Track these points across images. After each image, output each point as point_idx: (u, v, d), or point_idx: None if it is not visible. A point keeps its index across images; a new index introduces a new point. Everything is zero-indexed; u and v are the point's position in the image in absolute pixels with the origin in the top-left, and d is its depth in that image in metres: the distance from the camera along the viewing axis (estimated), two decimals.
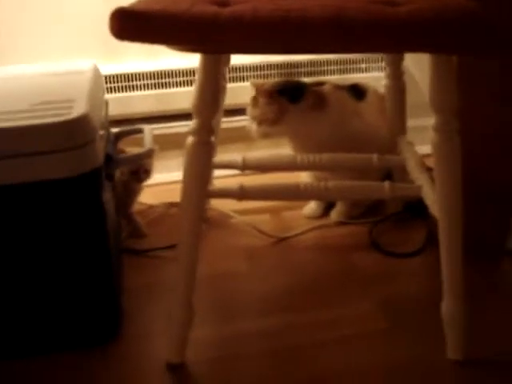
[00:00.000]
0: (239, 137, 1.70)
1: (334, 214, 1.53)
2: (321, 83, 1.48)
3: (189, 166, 0.99)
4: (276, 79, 1.70)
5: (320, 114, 1.43)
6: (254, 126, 1.43)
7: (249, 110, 1.44)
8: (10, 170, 1.00)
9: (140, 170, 1.33)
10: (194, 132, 0.97)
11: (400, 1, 0.90)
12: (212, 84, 0.94)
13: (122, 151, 1.34)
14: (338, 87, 1.48)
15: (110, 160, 1.14)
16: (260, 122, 1.42)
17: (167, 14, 0.82)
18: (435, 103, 0.96)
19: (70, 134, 1.00)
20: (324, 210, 1.56)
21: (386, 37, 0.83)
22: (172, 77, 1.68)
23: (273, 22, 0.81)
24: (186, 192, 1.01)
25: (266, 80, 1.66)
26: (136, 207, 1.55)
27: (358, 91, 1.49)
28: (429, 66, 0.96)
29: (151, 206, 1.59)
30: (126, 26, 0.82)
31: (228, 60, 1.35)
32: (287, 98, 1.41)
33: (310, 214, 1.55)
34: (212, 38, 0.82)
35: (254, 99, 1.43)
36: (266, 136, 1.45)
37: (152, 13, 0.82)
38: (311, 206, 1.55)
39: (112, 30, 0.83)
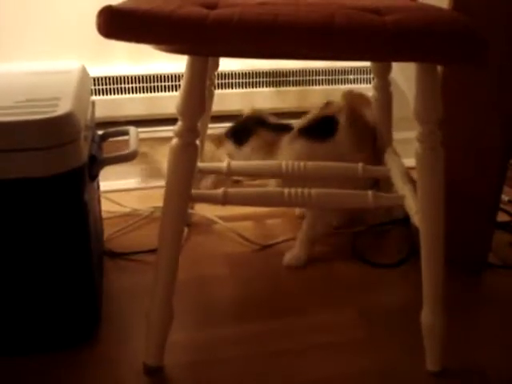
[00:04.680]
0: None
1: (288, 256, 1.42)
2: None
3: (172, 167, 0.99)
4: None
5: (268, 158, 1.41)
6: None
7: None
8: None
9: None
10: (179, 134, 0.97)
11: (388, 10, 0.90)
12: (198, 86, 0.94)
13: None
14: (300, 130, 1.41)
15: (95, 160, 1.13)
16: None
17: (155, 13, 0.82)
18: (420, 114, 0.96)
19: (54, 132, 1.00)
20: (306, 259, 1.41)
21: (373, 45, 0.84)
22: (160, 81, 1.68)
23: (260, 25, 0.81)
24: (168, 194, 1.00)
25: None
26: (120, 210, 1.56)
27: (326, 126, 1.40)
28: (415, 78, 0.96)
29: (135, 210, 1.59)
30: (113, 24, 0.82)
31: (216, 65, 1.35)
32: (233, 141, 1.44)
33: (292, 263, 1.40)
34: (198, 39, 0.82)
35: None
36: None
37: (140, 12, 0.82)
38: (294, 254, 1.41)
39: (99, 28, 0.83)
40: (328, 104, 1.44)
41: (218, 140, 1.42)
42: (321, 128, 1.41)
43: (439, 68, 0.97)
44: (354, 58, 0.97)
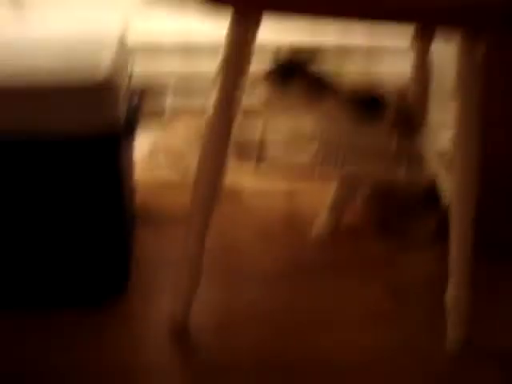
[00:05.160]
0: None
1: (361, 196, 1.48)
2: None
3: (208, 135, 1.00)
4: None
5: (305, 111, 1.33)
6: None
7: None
8: (31, 127, 1.02)
9: None
10: (217, 103, 0.98)
11: None
12: (240, 52, 0.94)
13: None
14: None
15: (131, 124, 1.15)
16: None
17: None
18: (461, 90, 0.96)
19: (93, 96, 1.02)
20: (335, 225, 1.42)
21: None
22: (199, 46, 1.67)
23: None
24: (203, 162, 1.02)
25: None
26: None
27: (372, 104, 1.34)
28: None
29: (169, 176, 1.60)
30: None
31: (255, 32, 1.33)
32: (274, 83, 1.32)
33: (319, 232, 1.41)
34: None
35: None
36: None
37: None
38: (322, 224, 1.41)
39: None
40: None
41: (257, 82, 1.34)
42: (368, 105, 1.34)
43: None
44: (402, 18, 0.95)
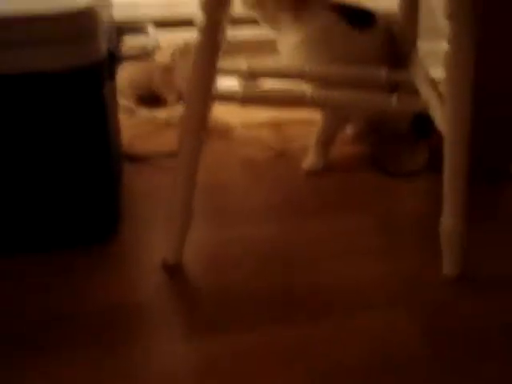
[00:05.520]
0: (244, 49, 1.67)
1: (350, 130, 1.48)
2: None
3: (196, 63, 0.97)
4: None
5: (297, 19, 1.30)
6: None
7: None
8: (13, 58, 0.99)
9: None
10: (202, 30, 0.95)
11: None
12: None
13: None
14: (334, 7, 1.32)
15: (113, 57, 1.11)
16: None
17: None
18: (451, 9, 0.93)
19: (74, 26, 1.00)
20: (324, 163, 1.41)
21: None
22: None
23: None
24: (191, 92, 0.99)
25: None
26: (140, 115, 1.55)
27: (365, 18, 1.34)
28: None
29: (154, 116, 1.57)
30: None
31: None
32: None
33: (309, 167, 1.39)
34: None
35: None
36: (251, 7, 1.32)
37: None
38: (311, 159, 1.40)
39: None
40: None
41: None
42: (359, 16, 1.34)
43: None
44: None
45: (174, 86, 1.59)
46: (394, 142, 1.49)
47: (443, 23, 0.96)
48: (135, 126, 1.50)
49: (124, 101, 1.52)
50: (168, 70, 1.57)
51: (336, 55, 1.30)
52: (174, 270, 1.08)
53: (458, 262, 1.08)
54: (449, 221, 1.05)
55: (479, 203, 1.26)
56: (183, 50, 1.54)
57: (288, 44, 1.33)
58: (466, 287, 1.07)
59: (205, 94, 0.99)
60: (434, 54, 1.17)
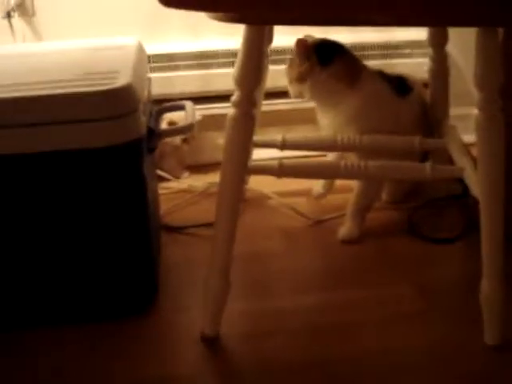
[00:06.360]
0: (279, 120, 1.70)
1: (386, 196, 1.50)
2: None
3: (230, 137, 0.99)
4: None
5: (347, 89, 1.33)
6: (288, 86, 1.37)
7: (286, 70, 1.38)
8: (53, 136, 1.02)
9: None
10: (236, 104, 0.98)
11: None
12: (255, 55, 0.94)
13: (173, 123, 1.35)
14: (379, 74, 1.37)
15: (153, 133, 1.15)
16: (290, 79, 1.35)
17: None
18: (479, 80, 0.94)
19: (114, 103, 1.02)
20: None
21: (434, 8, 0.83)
22: (215, 58, 1.68)
23: None
24: (226, 164, 1.01)
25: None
26: (176, 186, 1.57)
27: (402, 85, 1.38)
28: (474, 46, 0.94)
29: (191, 185, 1.60)
30: None
31: (271, 38, 1.34)
32: (318, 57, 1.31)
33: (345, 237, 1.39)
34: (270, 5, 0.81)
35: (291, 59, 1.36)
36: (299, 95, 1.36)
37: None
38: (347, 228, 1.39)
39: None
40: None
41: (305, 51, 1.30)
42: (397, 83, 1.38)
43: (500, 34, 0.95)
44: (416, 23, 0.95)
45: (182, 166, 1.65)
46: (430, 207, 1.50)
47: (472, 89, 0.98)
48: (173, 197, 1.54)
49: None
50: (176, 150, 1.62)
51: (385, 122, 1.33)
52: (212, 342, 1.08)
53: (498, 329, 1.05)
54: (487, 287, 1.04)
55: None
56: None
57: (334, 115, 1.36)
58: (506, 356, 1.05)
59: (240, 168, 1.01)
60: (465, 118, 1.18)
